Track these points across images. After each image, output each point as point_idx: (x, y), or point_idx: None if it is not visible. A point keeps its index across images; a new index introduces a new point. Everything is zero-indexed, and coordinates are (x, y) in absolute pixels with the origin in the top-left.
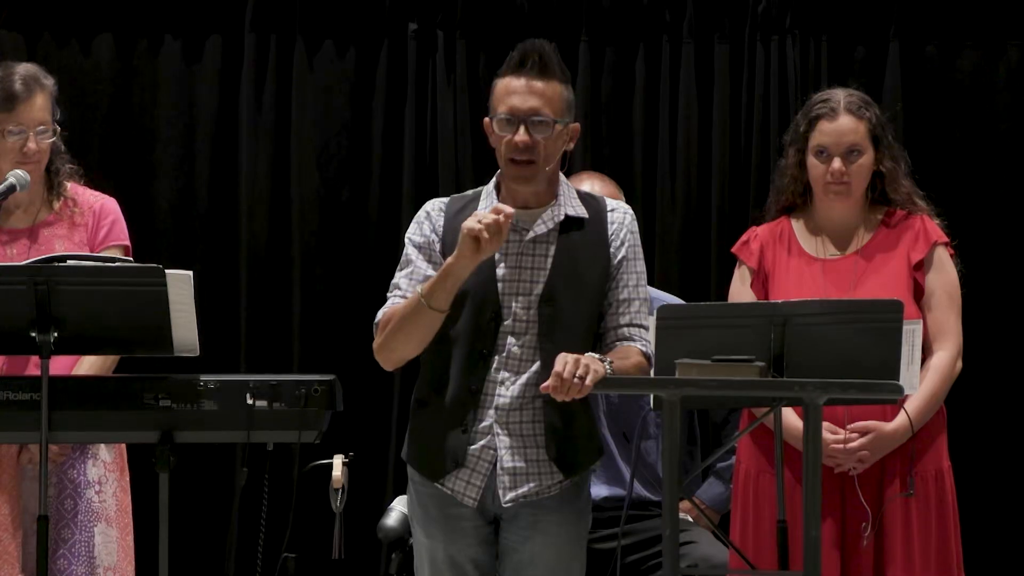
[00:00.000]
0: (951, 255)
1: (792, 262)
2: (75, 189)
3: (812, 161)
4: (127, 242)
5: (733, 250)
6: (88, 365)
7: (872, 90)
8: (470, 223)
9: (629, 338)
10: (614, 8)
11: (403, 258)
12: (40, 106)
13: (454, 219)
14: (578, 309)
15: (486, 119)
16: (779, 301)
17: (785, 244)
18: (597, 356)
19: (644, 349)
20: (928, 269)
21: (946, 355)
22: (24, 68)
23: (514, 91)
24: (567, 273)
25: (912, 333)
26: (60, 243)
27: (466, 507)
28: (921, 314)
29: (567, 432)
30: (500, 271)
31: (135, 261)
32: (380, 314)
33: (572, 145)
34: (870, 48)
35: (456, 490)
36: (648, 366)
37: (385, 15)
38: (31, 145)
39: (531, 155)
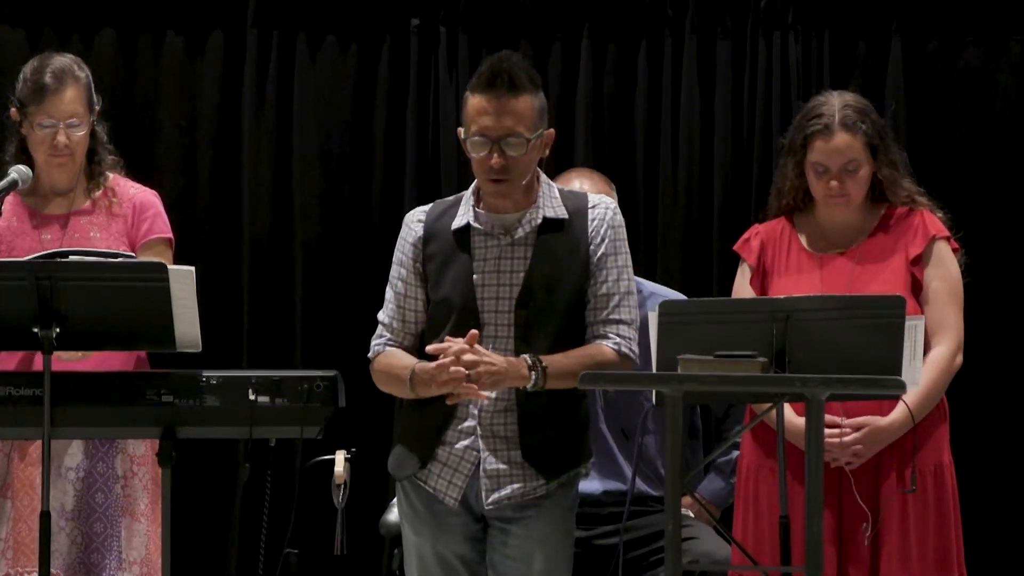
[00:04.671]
0: (955, 248)
1: (792, 260)
2: (115, 180)
3: (811, 175)
4: (170, 235)
5: (735, 248)
6: None
7: (874, 86)
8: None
9: (604, 336)
10: (616, 4)
11: (391, 274)
12: (70, 99)
13: (435, 223)
14: (555, 310)
15: (459, 129)
16: (781, 297)
17: (786, 241)
18: (530, 362)
19: (615, 346)
20: (926, 264)
21: (944, 350)
22: (58, 60)
23: (485, 111)
24: (544, 275)
25: (914, 329)
26: (95, 231)
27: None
28: (920, 309)
29: (545, 436)
30: (476, 278)
31: (177, 253)
32: (373, 349)
33: (548, 151)
34: (872, 44)
35: (438, 489)
36: (618, 362)
37: (387, 11)
38: (60, 139)
39: (506, 174)
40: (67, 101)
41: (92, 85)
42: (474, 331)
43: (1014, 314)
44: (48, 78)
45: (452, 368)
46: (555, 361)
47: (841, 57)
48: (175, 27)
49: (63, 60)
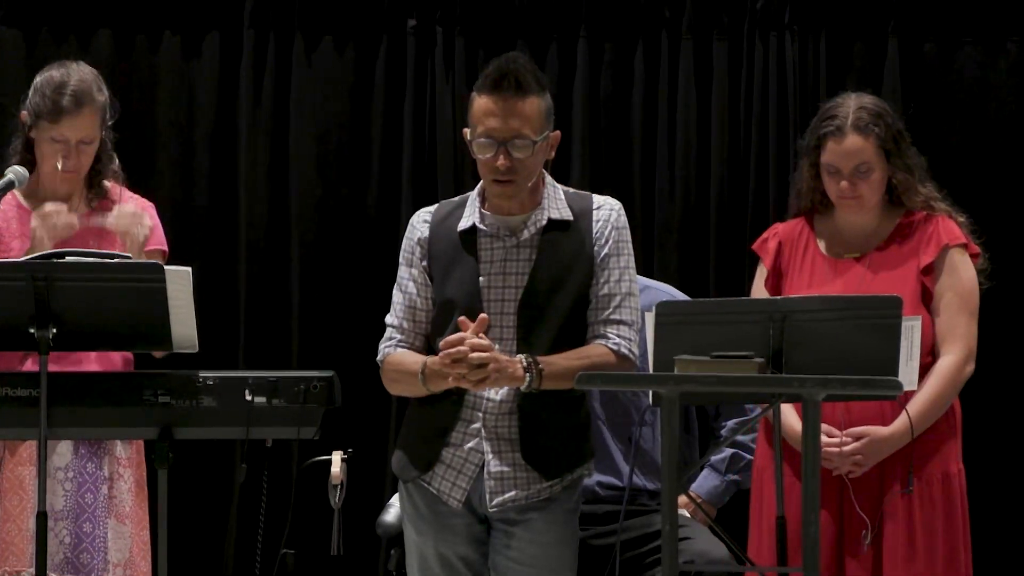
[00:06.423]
0: (975, 254)
1: (807, 261)
2: (114, 189)
3: (824, 176)
4: (165, 247)
5: (753, 247)
6: None
7: (871, 87)
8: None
9: (603, 336)
10: (613, 4)
11: (398, 276)
12: (85, 124)
13: (441, 224)
14: (558, 312)
15: (465, 130)
16: (778, 297)
17: (803, 243)
18: (525, 364)
19: (615, 347)
20: (938, 274)
21: (952, 359)
22: (79, 80)
23: (492, 113)
24: (548, 277)
25: (911, 329)
26: (93, 240)
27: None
28: (930, 317)
29: (547, 437)
30: (482, 280)
31: (174, 253)
32: (381, 351)
33: (553, 153)
34: (869, 44)
35: (442, 490)
36: (616, 363)
37: (384, 11)
38: (69, 162)
39: (512, 175)
40: (82, 126)
41: (108, 104)
42: (483, 315)
43: (1014, 315)
44: (67, 101)
45: (473, 355)
46: (553, 362)
47: (838, 58)
48: (172, 27)
49: (84, 80)
